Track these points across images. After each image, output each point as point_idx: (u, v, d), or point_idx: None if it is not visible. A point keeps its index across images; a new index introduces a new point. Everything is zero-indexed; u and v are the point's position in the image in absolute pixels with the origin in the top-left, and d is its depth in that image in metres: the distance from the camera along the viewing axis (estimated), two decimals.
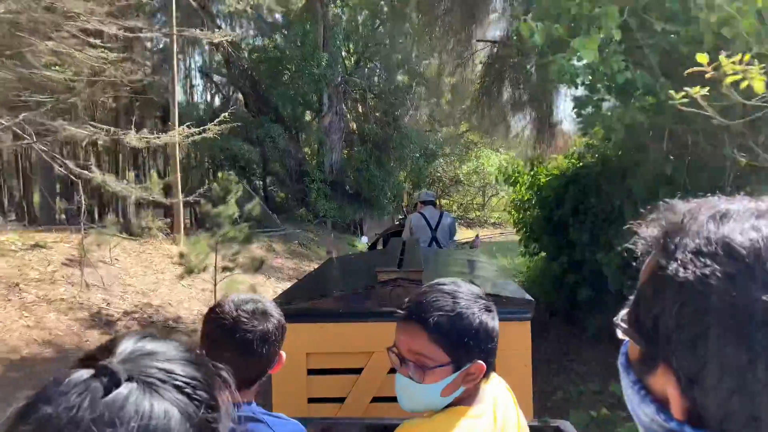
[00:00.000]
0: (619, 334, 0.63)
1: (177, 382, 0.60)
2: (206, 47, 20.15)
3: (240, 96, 21.27)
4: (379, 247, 7.85)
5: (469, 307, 1.27)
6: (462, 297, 1.29)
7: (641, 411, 0.61)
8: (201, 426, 0.60)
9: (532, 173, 9.99)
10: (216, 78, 21.88)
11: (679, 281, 0.55)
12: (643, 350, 0.60)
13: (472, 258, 4.56)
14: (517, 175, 10.17)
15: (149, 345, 0.64)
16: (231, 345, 1.47)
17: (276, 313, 1.57)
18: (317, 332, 2.55)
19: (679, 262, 0.55)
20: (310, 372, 2.57)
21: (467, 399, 1.30)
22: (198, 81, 22.37)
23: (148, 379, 0.59)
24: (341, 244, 16.61)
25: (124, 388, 0.57)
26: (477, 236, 10.13)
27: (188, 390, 0.60)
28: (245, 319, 1.50)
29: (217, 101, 22.27)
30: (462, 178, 31.11)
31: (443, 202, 29.99)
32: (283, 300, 2.65)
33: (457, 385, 1.28)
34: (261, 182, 22.07)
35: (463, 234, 19.60)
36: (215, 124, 9.06)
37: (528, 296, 2.59)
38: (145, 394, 0.58)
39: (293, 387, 2.53)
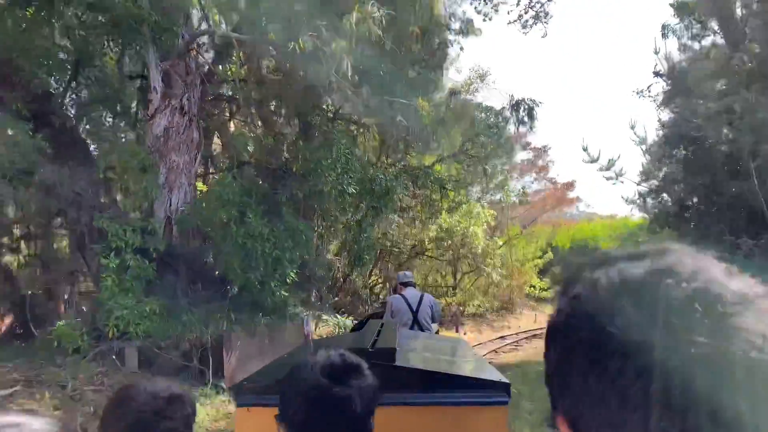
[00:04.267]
0: None
1: None
2: None
3: None
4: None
5: None
6: None
7: None
8: None
9: None
10: None
11: (553, 327, 0.62)
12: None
13: (449, 341, 4.70)
14: None
15: None
16: None
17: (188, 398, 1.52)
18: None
19: (558, 309, 0.62)
20: None
21: None
22: None
23: None
24: None
25: None
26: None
27: None
28: (163, 409, 1.43)
29: None
30: (427, 246, 20.18)
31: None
32: (243, 384, 2.39)
33: None
34: None
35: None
36: None
37: (504, 378, 2.37)
38: None
39: None
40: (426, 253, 20.54)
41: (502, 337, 18.34)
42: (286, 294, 10.80)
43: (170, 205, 9.97)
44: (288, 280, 10.56)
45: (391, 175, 14.23)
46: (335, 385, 1.36)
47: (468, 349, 3.74)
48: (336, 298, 18.88)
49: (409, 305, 6.10)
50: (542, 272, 24.63)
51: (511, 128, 15.53)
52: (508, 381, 2.33)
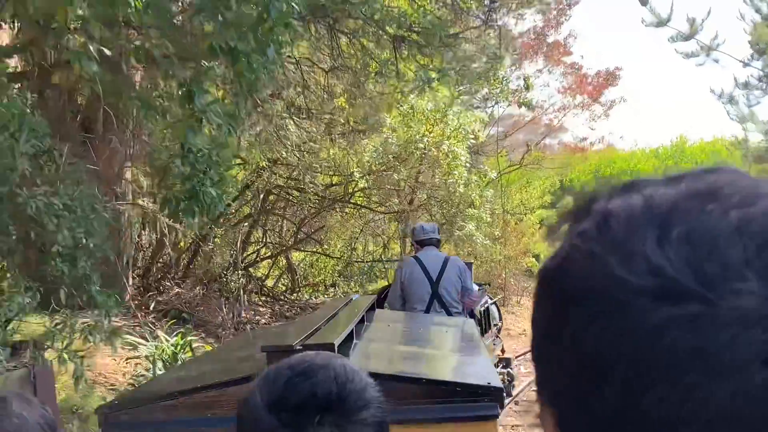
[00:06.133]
0: None
1: None
2: None
3: None
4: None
5: None
6: None
7: None
8: None
9: None
10: None
11: (545, 276, 0.45)
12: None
13: (447, 323, 3.72)
14: None
15: None
16: None
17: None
18: None
19: (555, 253, 0.45)
20: None
21: None
22: None
23: None
24: None
25: None
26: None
27: None
28: None
29: None
30: (358, 184, 10.09)
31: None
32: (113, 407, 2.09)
33: None
34: None
35: None
36: None
37: (496, 382, 1.95)
38: None
39: None
40: (353, 200, 10.68)
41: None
42: None
43: None
44: None
45: None
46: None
47: (468, 337, 3.03)
48: (160, 297, 9.11)
49: (427, 273, 4.61)
50: (552, 206, 14.94)
51: None
52: (500, 385, 1.90)
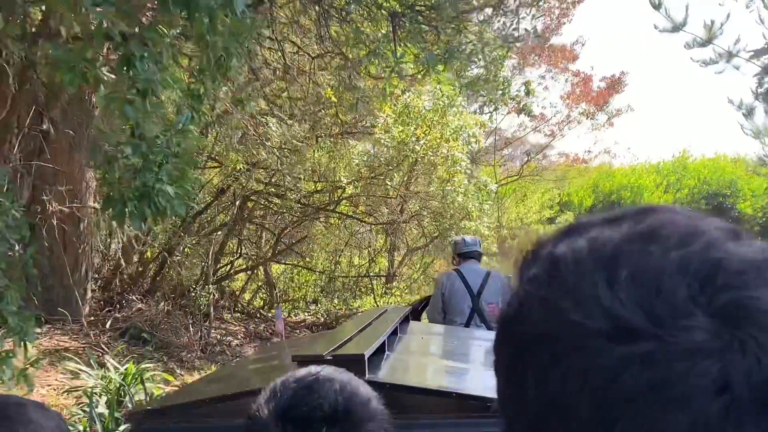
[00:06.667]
0: None
1: None
2: None
3: None
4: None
5: None
6: None
7: None
8: None
9: None
10: None
11: (503, 322, 0.46)
12: None
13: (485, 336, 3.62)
14: None
15: None
16: None
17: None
18: None
19: (510, 298, 0.47)
20: None
21: None
22: None
23: None
24: None
25: None
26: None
27: None
28: None
29: None
30: (346, 189, 9.09)
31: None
32: (146, 412, 2.11)
33: None
34: None
35: None
36: None
37: None
38: None
39: None
40: (339, 209, 9.68)
41: None
42: None
43: None
44: None
45: None
46: None
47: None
48: (119, 313, 8.09)
49: (468, 286, 4.60)
50: (550, 221, 14.00)
51: None
52: None
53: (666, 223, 0.42)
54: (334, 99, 6.63)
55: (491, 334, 4.21)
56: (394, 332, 2.83)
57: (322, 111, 7.14)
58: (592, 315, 0.38)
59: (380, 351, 2.31)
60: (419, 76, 5.27)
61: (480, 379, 2.45)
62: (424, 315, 5.08)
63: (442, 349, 3.31)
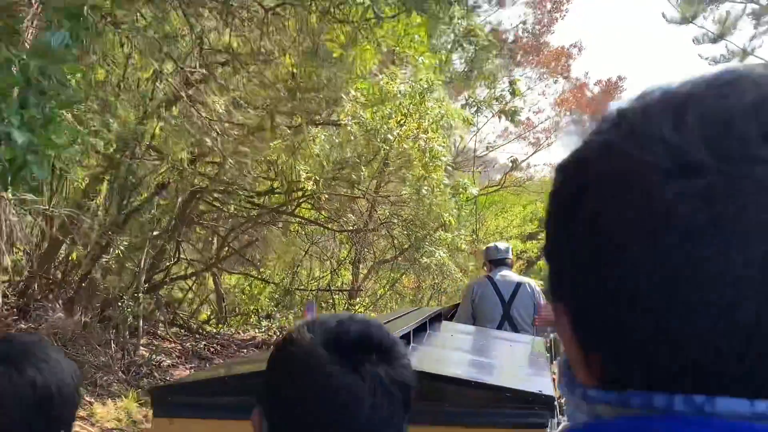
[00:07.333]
0: None
1: None
2: None
3: None
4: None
5: None
6: None
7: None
8: None
9: None
10: None
11: (561, 166, 0.44)
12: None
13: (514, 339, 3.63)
14: None
15: None
16: None
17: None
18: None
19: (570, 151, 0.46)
20: None
21: None
22: None
23: None
24: None
25: None
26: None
27: None
28: None
29: None
30: (306, 188, 7.84)
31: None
32: (168, 389, 2.18)
33: None
34: None
35: None
36: None
37: (548, 391, 1.85)
38: None
39: None
40: (298, 212, 8.44)
41: None
42: None
43: None
44: None
45: None
46: (337, 366, 0.85)
47: (532, 352, 3.03)
48: (25, 324, 6.74)
49: (499, 293, 4.56)
50: (531, 237, 12.99)
51: None
52: (552, 394, 1.83)
53: (743, 75, 0.40)
54: (294, 69, 5.46)
55: (522, 336, 3.82)
56: (423, 328, 2.85)
57: (278, 85, 5.95)
58: (654, 152, 0.37)
59: (405, 342, 2.21)
60: (397, 19, 4.19)
61: (502, 373, 2.43)
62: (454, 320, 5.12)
63: (470, 345, 3.28)
